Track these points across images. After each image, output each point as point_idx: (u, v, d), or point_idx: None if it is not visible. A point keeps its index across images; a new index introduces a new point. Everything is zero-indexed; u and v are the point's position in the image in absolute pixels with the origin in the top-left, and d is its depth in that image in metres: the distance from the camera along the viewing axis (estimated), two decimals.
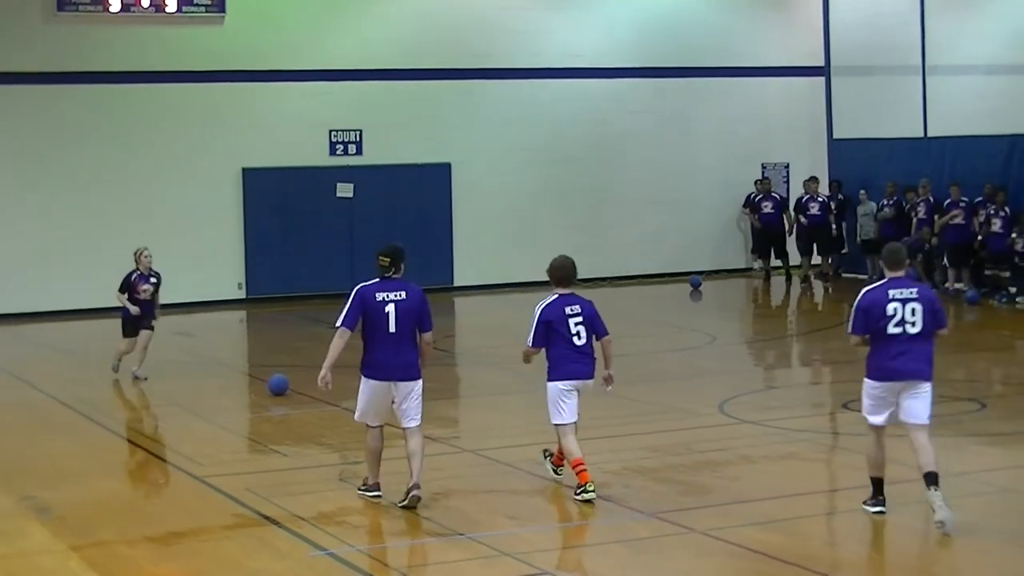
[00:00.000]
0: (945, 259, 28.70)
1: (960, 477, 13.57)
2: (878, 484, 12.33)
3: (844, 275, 31.91)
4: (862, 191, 30.61)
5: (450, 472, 14.33)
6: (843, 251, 32.29)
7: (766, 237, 32.72)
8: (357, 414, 13.13)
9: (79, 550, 11.87)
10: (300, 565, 11.49)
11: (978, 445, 15.14)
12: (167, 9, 29.24)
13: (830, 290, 31.02)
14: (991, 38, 29.95)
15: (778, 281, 32.11)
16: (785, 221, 32.45)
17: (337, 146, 31.02)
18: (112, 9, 28.83)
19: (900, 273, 12.21)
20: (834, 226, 31.86)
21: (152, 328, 20.85)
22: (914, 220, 29.07)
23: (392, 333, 12.69)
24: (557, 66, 32.48)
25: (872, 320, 12.06)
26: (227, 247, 30.16)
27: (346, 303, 12.77)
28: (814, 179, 32.22)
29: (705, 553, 11.54)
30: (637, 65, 33.09)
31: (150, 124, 29.56)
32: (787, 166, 34.44)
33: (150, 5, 29.10)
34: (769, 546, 11.48)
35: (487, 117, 31.95)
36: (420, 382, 12.92)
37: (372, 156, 31.14)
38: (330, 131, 30.94)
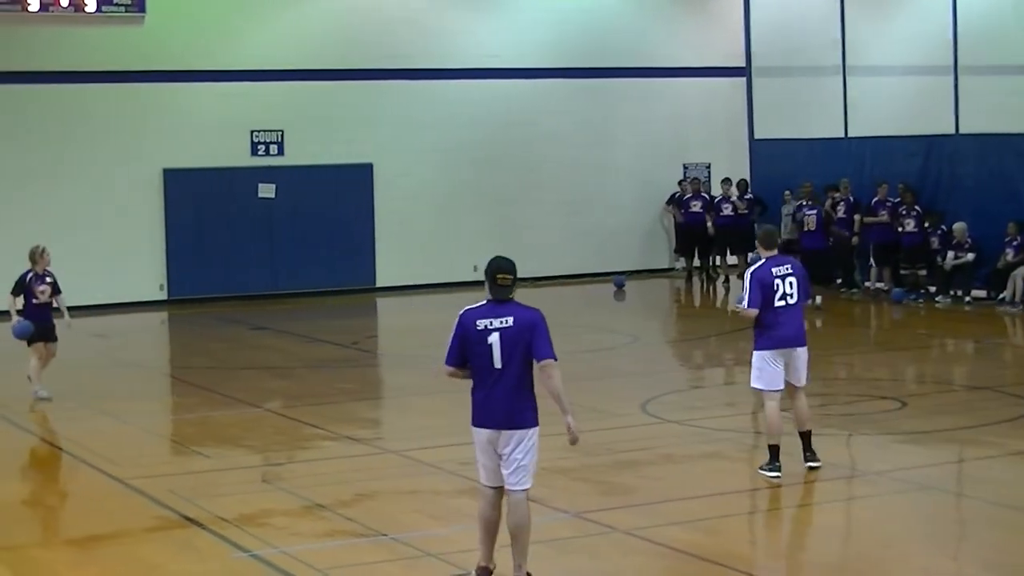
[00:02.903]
0: (872, 258, 28.95)
1: (880, 475, 13.71)
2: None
3: None
4: (787, 191, 30.68)
5: (373, 473, 14.29)
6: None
7: (691, 236, 32.82)
8: (477, 468, 10.68)
9: None
10: (222, 567, 11.41)
11: (898, 443, 15.27)
12: (86, 9, 28.93)
13: None
14: (909, 39, 30.20)
15: (700, 281, 32.30)
16: (708, 221, 32.57)
17: (259, 146, 30.86)
18: (31, 8, 28.50)
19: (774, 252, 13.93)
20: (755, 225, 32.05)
21: (56, 339, 19.27)
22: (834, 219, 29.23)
23: (498, 369, 10.33)
24: (476, 67, 32.49)
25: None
26: (149, 248, 29.93)
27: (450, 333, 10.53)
28: (727, 180, 32.36)
29: (629, 552, 11.56)
30: (556, 66, 33.16)
31: (70, 125, 29.30)
32: (708, 166, 34.61)
33: (69, 5, 28.77)
34: (692, 545, 11.52)
35: (408, 117, 31.88)
36: (534, 431, 10.42)
37: (294, 156, 31.02)
38: (251, 131, 30.78)
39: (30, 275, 18.98)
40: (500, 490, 10.46)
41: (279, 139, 30.99)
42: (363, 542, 11.89)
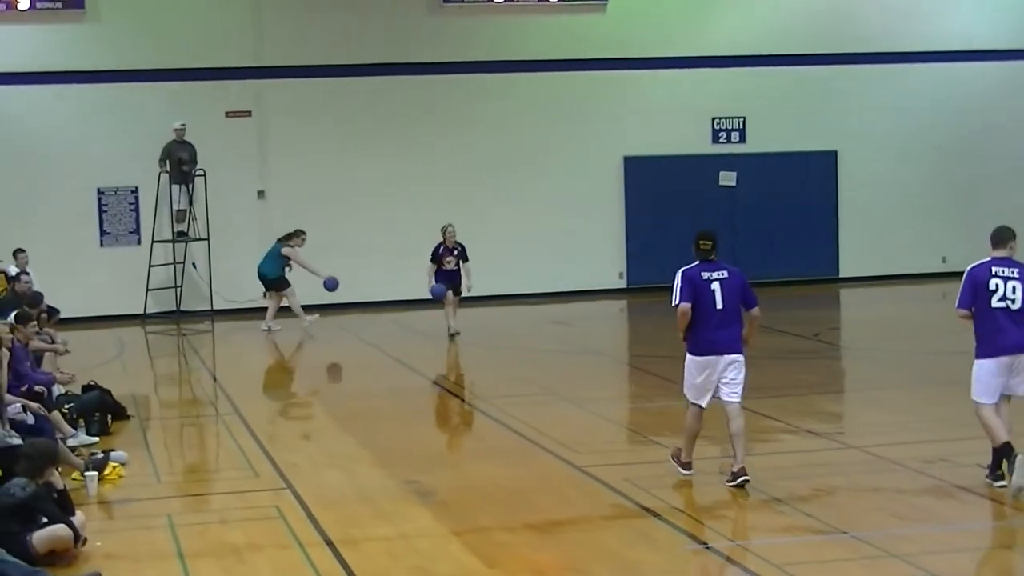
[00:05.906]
0: None
1: None
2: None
3: None
4: None
5: (833, 468, 13.91)
6: None
7: None
8: (686, 388, 13.41)
9: (459, 535, 11.95)
10: (678, 558, 11.30)
11: None
12: None
13: None
14: None
15: None
16: None
17: (720, 134, 30.74)
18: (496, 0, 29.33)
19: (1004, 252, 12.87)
20: None
21: (460, 295, 24.04)
22: None
23: (720, 309, 13.12)
24: (947, 49, 31.36)
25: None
26: (608, 236, 30.22)
27: (675, 286, 13.30)
28: None
29: None
30: None
31: (533, 113, 29.89)
32: None
33: None
34: None
35: (875, 103, 31.11)
36: (743, 357, 13.21)
37: (755, 144, 30.75)
38: (712, 119, 30.68)
39: (441, 247, 23.88)
40: (703, 410, 13.33)
41: (741, 126, 30.77)
42: (821, 539, 11.55)
